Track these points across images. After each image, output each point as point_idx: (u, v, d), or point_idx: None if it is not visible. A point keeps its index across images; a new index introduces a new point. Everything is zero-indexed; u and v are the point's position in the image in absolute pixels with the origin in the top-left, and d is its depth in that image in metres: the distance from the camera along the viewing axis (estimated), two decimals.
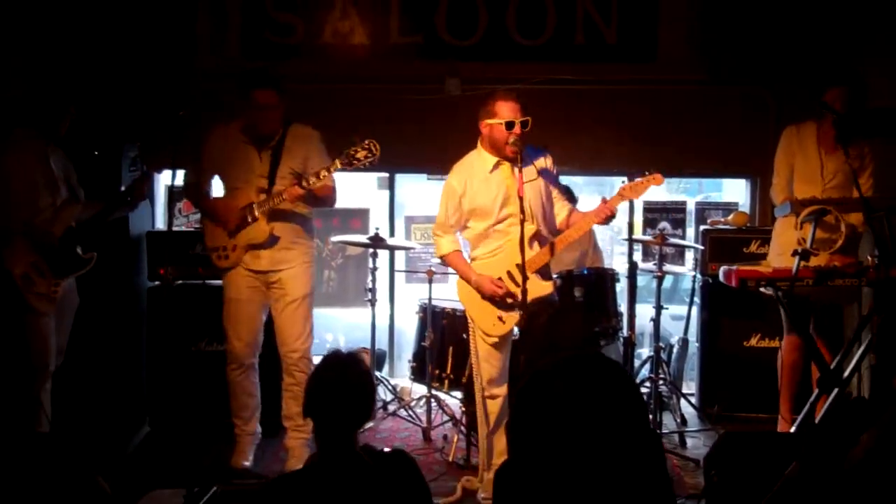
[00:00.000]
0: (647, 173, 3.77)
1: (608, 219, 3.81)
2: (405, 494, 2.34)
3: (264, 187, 4.07)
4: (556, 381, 1.49)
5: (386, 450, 2.49)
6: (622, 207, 3.99)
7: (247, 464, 4.28)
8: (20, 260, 3.93)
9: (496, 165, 3.79)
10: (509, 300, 3.77)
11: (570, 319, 2.89)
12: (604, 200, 3.81)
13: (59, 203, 4.07)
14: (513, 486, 1.48)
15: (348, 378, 2.45)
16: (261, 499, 2.38)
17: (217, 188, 4.41)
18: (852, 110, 4.10)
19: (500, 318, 3.82)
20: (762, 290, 4.08)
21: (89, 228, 4.14)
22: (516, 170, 3.64)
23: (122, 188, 4.60)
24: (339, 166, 3.88)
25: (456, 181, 3.87)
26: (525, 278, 3.52)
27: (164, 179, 5.48)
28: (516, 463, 1.48)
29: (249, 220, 4.07)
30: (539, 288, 3.79)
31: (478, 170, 3.83)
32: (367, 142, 3.83)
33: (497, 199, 3.78)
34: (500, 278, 3.81)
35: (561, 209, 3.99)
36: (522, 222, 3.52)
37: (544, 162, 3.91)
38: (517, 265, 3.63)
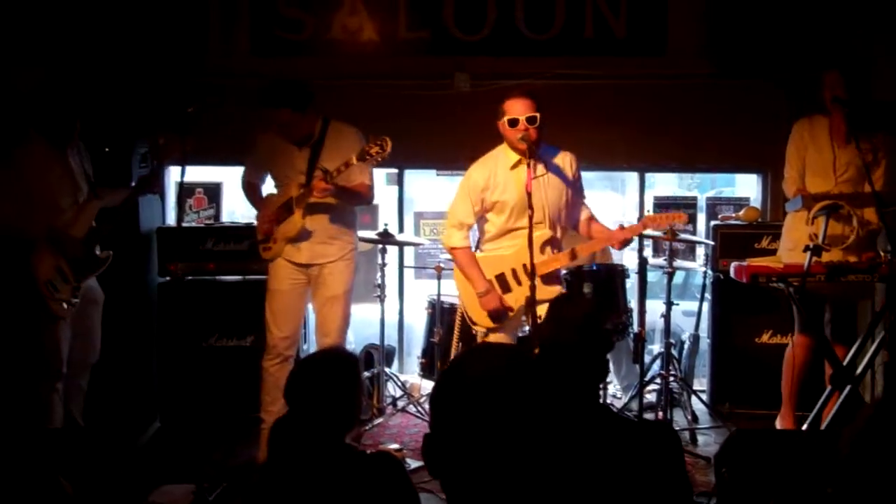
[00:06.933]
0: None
1: (626, 243, 3.88)
2: (383, 498, 2.28)
3: (303, 182, 4.12)
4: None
5: (371, 451, 2.44)
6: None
7: None
8: (46, 267, 3.91)
9: (517, 164, 3.80)
10: (507, 315, 3.85)
11: (575, 303, 2.86)
12: (621, 227, 3.89)
13: (81, 201, 4.08)
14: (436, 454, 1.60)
15: (328, 377, 2.41)
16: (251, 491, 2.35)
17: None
18: (856, 95, 4.04)
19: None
20: (772, 285, 4.05)
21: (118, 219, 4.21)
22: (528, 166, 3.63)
23: (133, 184, 4.61)
24: (354, 161, 3.93)
25: (479, 174, 3.88)
26: (534, 276, 3.50)
27: (174, 175, 5.49)
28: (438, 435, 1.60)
29: (290, 214, 4.13)
30: (544, 292, 3.69)
31: (501, 165, 3.85)
32: (379, 138, 3.87)
33: (520, 197, 3.76)
34: (502, 273, 3.86)
35: (581, 211, 4.01)
36: (531, 217, 3.50)
37: (562, 160, 3.90)
38: (524, 265, 3.64)
